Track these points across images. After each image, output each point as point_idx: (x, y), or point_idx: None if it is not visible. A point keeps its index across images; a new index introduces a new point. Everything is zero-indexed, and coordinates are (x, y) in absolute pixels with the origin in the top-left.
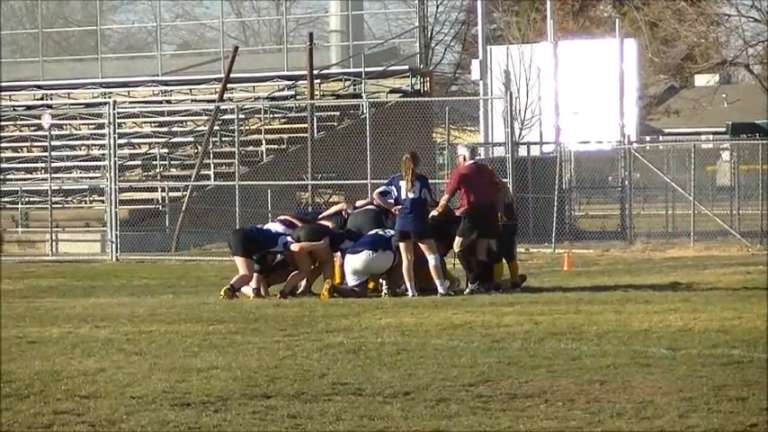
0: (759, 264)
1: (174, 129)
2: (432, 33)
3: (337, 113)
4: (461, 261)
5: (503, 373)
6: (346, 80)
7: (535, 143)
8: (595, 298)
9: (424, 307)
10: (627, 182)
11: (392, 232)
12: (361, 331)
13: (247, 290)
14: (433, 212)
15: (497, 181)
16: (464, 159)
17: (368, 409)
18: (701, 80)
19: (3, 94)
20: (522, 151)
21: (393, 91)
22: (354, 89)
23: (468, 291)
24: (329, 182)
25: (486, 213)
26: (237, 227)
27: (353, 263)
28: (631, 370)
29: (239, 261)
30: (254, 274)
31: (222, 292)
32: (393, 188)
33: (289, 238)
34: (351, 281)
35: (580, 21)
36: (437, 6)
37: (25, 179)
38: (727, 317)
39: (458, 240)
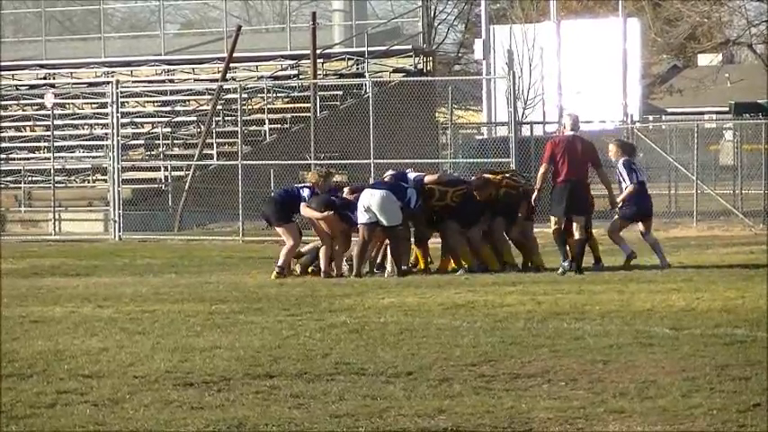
0: (761, 243)
1: (177, 108)
2: (435, 13)
3: (340, 93)
4: (556, 240)
5: (505, 352)
6: (349, 59)
7: (538, 123)
8: (598, 277)
9: (426, 287)
10: None
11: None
12: (364, 311)
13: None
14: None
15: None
16: (563, 129)
17: (370, 388)
18: (704, 60)
19: (5, 73)
20: (525, 131)
21: (396, 70)
22: (357, 68)
23: (561, 271)
24: (332, 161)
25: (574, 190)
26: (267, 196)
27: (367, 199)
28: (634, 349)
29: (283, 231)
30: (284, 250)
31: (273, 276)
32: None
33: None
34: (362, 218)
35: (583, 0)
36: None
37: (28, 158)
38: (730, 296)
39: (553, 219)
